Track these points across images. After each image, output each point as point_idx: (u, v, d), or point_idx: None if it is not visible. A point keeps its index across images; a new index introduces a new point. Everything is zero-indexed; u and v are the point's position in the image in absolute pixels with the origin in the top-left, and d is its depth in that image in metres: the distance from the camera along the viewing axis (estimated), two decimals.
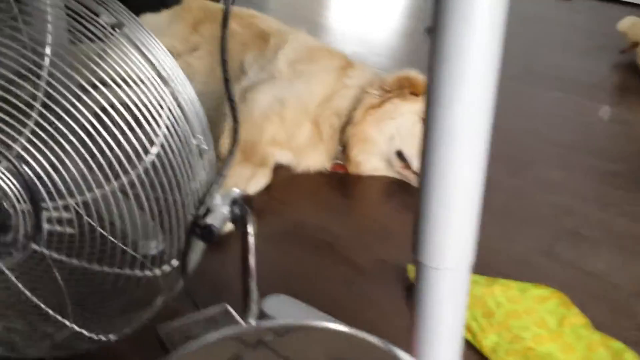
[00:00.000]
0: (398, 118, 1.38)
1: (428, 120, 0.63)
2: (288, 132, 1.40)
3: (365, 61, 1.55)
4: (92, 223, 0.70)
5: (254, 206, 1.28)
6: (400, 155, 1.39)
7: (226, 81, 0.79)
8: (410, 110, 1.38)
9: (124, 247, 0.72)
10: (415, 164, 1.36)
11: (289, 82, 1.43)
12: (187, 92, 0.74)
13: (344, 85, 1.44)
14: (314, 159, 1.43)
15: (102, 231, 0.70)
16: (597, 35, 2.52)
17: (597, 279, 1.11)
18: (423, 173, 0.65)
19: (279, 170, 1.42)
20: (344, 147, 1.42)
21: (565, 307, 0.96)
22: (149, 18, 1.78)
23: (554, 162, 1.51)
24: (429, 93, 0.62)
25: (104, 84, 0.65)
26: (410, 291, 1.02)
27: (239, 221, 0.77)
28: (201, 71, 1.61)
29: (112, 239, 0.70)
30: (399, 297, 1.03)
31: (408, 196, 1.36)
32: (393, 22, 2.71)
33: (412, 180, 1.39)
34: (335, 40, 2.27)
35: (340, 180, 1.42)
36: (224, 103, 1.47)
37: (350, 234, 1.21)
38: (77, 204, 0.71)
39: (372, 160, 1.42)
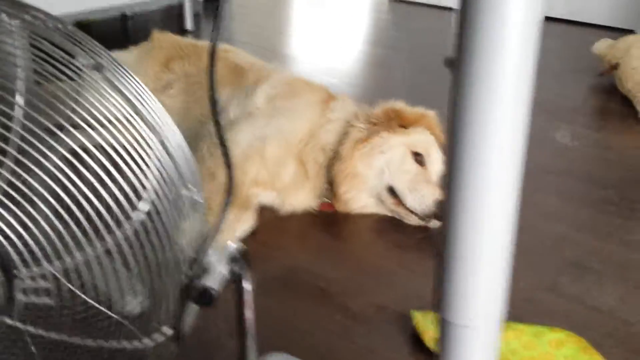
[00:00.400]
0: (387, 152, 1.32)
1: (451, 164, 0.57)
2: (271, 171, 1.33)
3: (340, 92, 1.50)
4: (76, 291, 0.61)
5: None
6: (391, 190, 1.33)
7: (217, 124, 0.72)
8: (399, 143, 1.33)
9: (113, 315, 0.64)
10: (408, 199, 1.30)
11: (270, 119, 1.36)
12: (176, 139, 0.67)
13: (328, 119, 1.38)
14: (300, 198, 1.36)
15: (89, 301, 0.61)
16: (571, 59, 2.53)
17: (606, 315, 1.06)
18: (447, 220, 0.58)
19: (263, 211, 1.34)
20: (330, 185, 1.35)
21: (585, 352, 0.90)
22: (117, 56, 1.69)
23: (549, 189, 1.47)
24: (451, 133, 0.56)
25: (82, 131, 0.57)
26: (415, 340, 0.96)
27: (237, 279, 0.69)
28: (175, 110, 1.53)
29: (102, 308, 0.62)
30: (403, 348, 0.96)
31: (401, 234, 1.30)
32: (358, 50, 2.68)
33: (405, 216, 1.33)
34: (304, 72, 2.22)
35: (329, 220, 1.35)
36: (199, 142, 1.40)
37: (344, 277, 1.14)
38: (56, 271, 0.62)
39: (361, 197, 1.35)
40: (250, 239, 1.25)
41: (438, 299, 0.63)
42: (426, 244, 1.27)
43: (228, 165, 0.70)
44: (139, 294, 0.70)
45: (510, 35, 0.50)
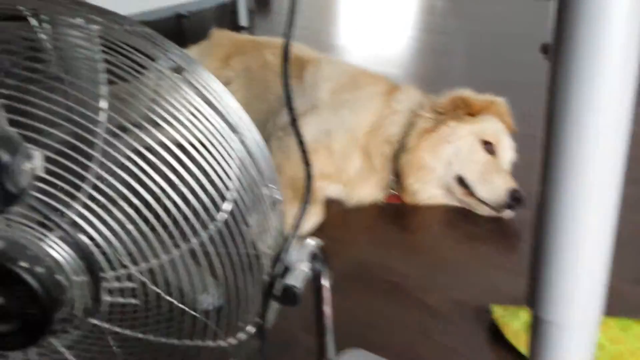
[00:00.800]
0: (456, 141, 1.29)
1: (549, 155, 0.54)
2: (337, 165, 1.31)
3: (404, 82, 1.47)
4: (160, 292, 0.61)
5: None
6: (460, 180, 1.29)
7: (293, 121, 0.71)
8: (468, 132, 1.29)
9: (197, 315, 0.64)
10: (478, 190, 1.26)
11: (334, 112, 1.35)
12: (255, 137, 0.66)
13: (393, 110, 1.35)
14: (367, 190, 1.34)
15: (174, 301, 0.61)
16: None
17: None
18: (544, 213, 0.55)
19: (330, 205, 1.33)
20: (397, 176, 1.33)
21: None
22: None
23: (631, 177, 1.40)
24: (549, 124, 0.53)
25: (166, 136, 0.57)
26: (496, 337, 0.93)
27: (317, 277, 0.68)
28: None
29: (187, 309, 0.62)
30: (484, 345, 0.93)
31: (472, 225, 1.27)
32: (412, 37, 2.62)
33: (475, 207, 1.29)
34: (356, 63, 2.20)
35: (397, 212, 1.33)
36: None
37: (417, 272, 1.11)
38: (140, 272, 0.63)
39: (429, 188, 1.32)
40: (318, 233, 1.24)
41: (531, 295, 0.60)
42: (499, 236, 1.23)
43: (306, 163, 0.69)
44: (217, 290, 0.70)
45: (615, 19, 0.47)
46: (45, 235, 0.61)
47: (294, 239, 0.66)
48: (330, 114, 1.34)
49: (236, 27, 2.78)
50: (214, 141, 0.59)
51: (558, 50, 0.50)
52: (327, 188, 1.32)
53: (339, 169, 1.31)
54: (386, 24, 2.83)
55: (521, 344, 0.90)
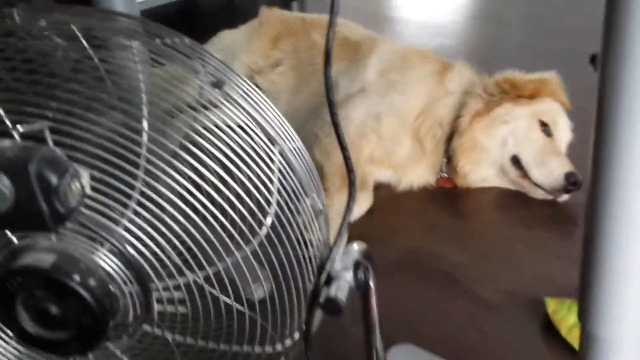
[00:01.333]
0: (512, 122, 1.25)
1: (598, 165, 0.52)
2: (387, 149, 1.30)
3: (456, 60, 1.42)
4: (218, 295, 0.63)
5: (356, 234, 1.19)
6: (515, 161, 1.26)
7: (335, 125, 0.70)
8: (526, 114, 1.25)
9: (248, 313, 0.65)
10: (534, 172, 1.23)
11: (383, 94, 1.32)
12: (295, 146, 0.66)
13: (445, 91, 1.32)
14: (417, 174, 1.32)
15: (228, 300, 0.62)
16: None
17: None
18: (594, 224, 0.53)
19: (380, 189, 1.32)
20: (449, 159, 1.30)
21: None
22: (226, 35, 1.72)
23: None
24: (600, 132, 0.51)
25: (207, 154, 0.57)
26: (549, 330, 0.91)
27: (364, 284, 0.68)
28: (285, 89, 1.53)
29: (238, 306, 0.63)
30: (537, 339, 0.92)
31: (526, 210, 1.23)
32: (469, 6, 2.52)
33: (530, 190, 1.26)
34: (413, 35, 2.14)
35: (448, 196, 1.31)
36: (313, 121, 1.39)
37: (468, 260, 1.10)
38: (187, 283, 0.64)
39: (481, 170, 1.29)
40: (368, 219, 1.24)
41: (581, 309, 0.58)
42: (554, 221, 1.20)
43: (348, 168, 0.68)
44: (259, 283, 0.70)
45: None
46: (95, 249, 0.62)
47: (338, 248, 0.66)
48: (379, 97, 1.32)
49: (287, 1, 2.75)
50: (255, 156, 0.58)
51: (606, 58, 0.47)
52: (376, 172, 1.31)
53: (389, 154, 1.30)
54: None
55: (575, 340, 0.88)
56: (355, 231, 1.19)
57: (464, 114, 1.27)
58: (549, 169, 1.21)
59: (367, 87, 1.36)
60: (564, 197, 1.22)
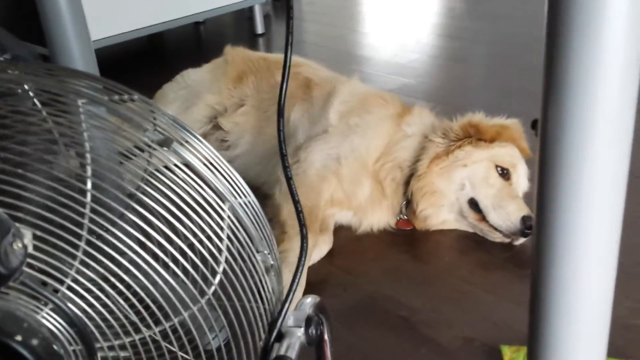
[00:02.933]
0: (470, 165, 1.27)
1: (544, 186, 0.52)
2: (347, 191, 1.30)
3: (416, 103, 1.44)
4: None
5: (315, 278, 1.19)
6: (474, 205, 1.27)
7: (288, 180, 0.70)
8: (484, 157, 1.27)
9: None
10: (491, 216, 1.24)
11: (344, 137, 1.33)
12: (247, 200, 0.66)
13: (404, 134, 1.33)
14: (377, 216, 1.33)
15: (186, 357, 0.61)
16: None
17: None
18: (539, 255, 0.53)
19: (339, 230, 1.32)
20: (408, 202, 1.31)
21: None
22: (190, 74, 1.72)
23: None
24: (544, 151, 0.51)
25: (151, 211, 0.57)
26: None
27: (317, 339, 0.67)
28: (248, 129, 1.53)
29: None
30: None
31: (485, 253, 1.25)
32: (434, 45, 2.57)
33: (488, 233, 1.27)
34: (378, 73, 2.17)
35: (408, 239, 1.31)
36: (273, 161, 1.39)
37: (427, 305, 1.10)
38: (133, 343, 0.63)
39: (440, 214, 1.31)
40: (327, 262, 1.23)
41: (531, 343, 0.58)
42: (513, 264, 1.21)
43: (301, 225, 0.68)
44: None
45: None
46: (39, 308, 0.61)
47: (287, 304, 0.65)
48: (339, 140, 1.33)
49: (253, 35, 2.77)
50: (204, 214, 0.58)
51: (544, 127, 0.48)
52: (337, 215, 1.31)
53: (349, 196, 1.30)
54: (404, 30, 2.80)
55: None
56: (315, 274, 1.19)
57: (423, 158, 1.28)
58: (506, 212, 1.23)
59: (328, 130, 1.36)
60: (521, 241, 1.24)
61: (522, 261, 1.22)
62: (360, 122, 1.35)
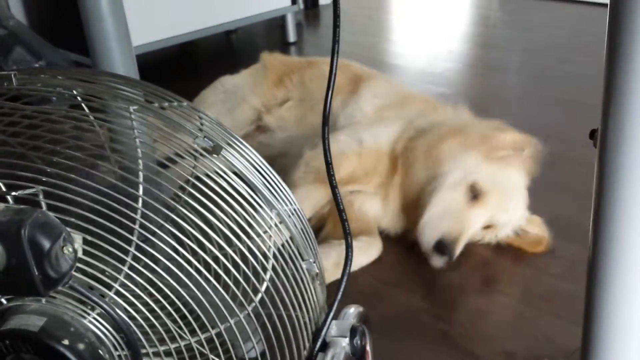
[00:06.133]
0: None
1: (598, 229, 0.51)
2: (367, 170, 1.31)
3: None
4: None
5: (351, 288, 1.17)
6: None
7: (333, 188, 0.70)
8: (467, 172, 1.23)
9: None
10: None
11: (372, 124, 1.35)
12: (292, 207, 0.65)
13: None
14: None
15: None
16: None
17: None
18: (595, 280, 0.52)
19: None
20: None
21: None
22: (228, 80, 1.73)
23: None
24: (599, 202, 0.50)
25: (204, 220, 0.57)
26: None
27: (359, 352, 0.66)
28: (293, 120, 1.55)
29: None
30: None
31: (524, 267, 1.22)
32: (467, 54, 2.54)
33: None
34: (409, 82, 2.16)
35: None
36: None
37: (465, 318, 1.08)
38: (178, 349, 0.63)
39: None
40: (363, 271, 1.22)
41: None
42: (553, 277, 1.19)
43: (346, 234, 0.67)
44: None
45: None
46: (86, 312, 0.61)
47: (332, 313, 0.65)
48: (367, 126, 1.34)
49: (284, 43, 2.78)
50: (252, 221, 0.58)
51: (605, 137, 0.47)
52: (362, 199, 1.30)
53: (368, 174, 1.30)
54: (436, 38, 2.78)
55: None
56: (350, 284, 1.17)
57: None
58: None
59: (362, 120, 1.38)
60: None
61: (562, 274, 1.19)
62: (391, 115, 1.36)
